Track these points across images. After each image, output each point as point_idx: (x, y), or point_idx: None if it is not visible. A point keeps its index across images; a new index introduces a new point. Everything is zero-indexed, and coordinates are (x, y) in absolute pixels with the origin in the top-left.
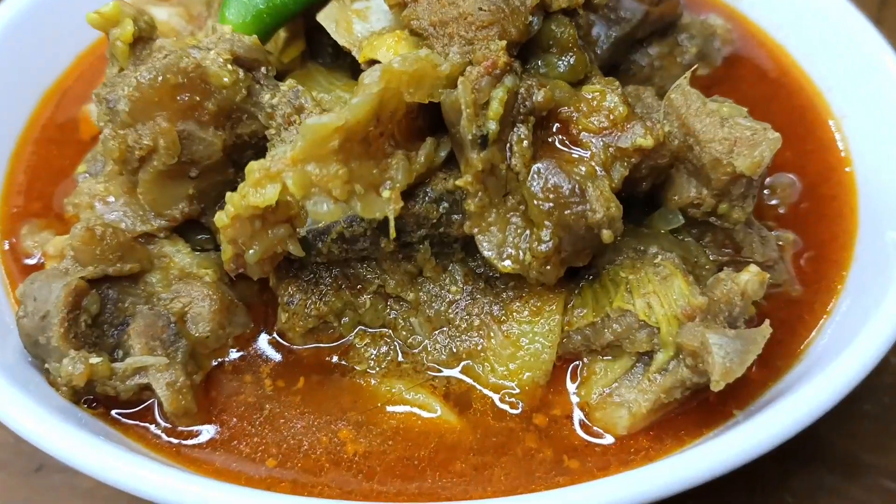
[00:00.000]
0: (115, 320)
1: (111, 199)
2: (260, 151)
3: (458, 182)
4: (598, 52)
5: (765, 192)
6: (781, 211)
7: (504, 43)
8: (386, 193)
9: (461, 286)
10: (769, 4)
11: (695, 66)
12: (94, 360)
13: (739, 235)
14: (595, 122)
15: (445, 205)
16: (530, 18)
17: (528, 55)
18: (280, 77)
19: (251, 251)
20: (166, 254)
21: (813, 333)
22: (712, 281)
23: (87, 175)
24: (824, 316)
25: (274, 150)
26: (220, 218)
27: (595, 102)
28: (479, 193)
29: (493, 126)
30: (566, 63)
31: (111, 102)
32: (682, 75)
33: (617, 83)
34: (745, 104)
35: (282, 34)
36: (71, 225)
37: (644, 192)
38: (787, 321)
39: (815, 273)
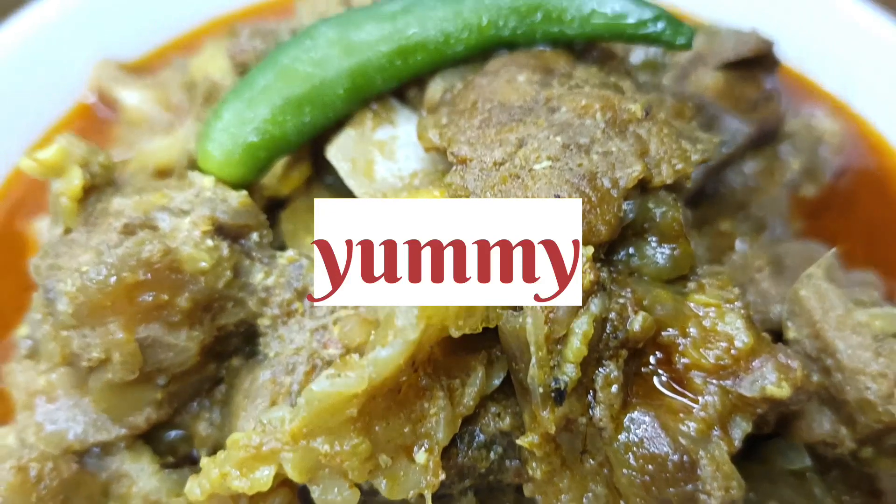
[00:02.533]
0: None
1: (59, 392)
2: (250, 338)
3: (521, 442)
4: (687, 184)
5: None
6: None
7: (591, 251)
8: (421, 457)
9: None
10: (891, 102)
11: (833, 250)
12: None
13: (882, 482)
14: (710, 357)
15: (499, 449)
16: (624, 207)
17: (614, 241)
18: (275, 210)
19: None
20: (126, 473)
21: None
22: None
23: (30, 342)
24: None
25: (268, 415)
26: (192, 490)
27: (709, 323)
28: (549, 458)
29: (571, 372)
30: (666, 255)
31: (49, 292)
32: (783, 197)
33: (736, 291)
34: (862, 234)
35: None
36: (9, 404)
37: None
38: None
39: None
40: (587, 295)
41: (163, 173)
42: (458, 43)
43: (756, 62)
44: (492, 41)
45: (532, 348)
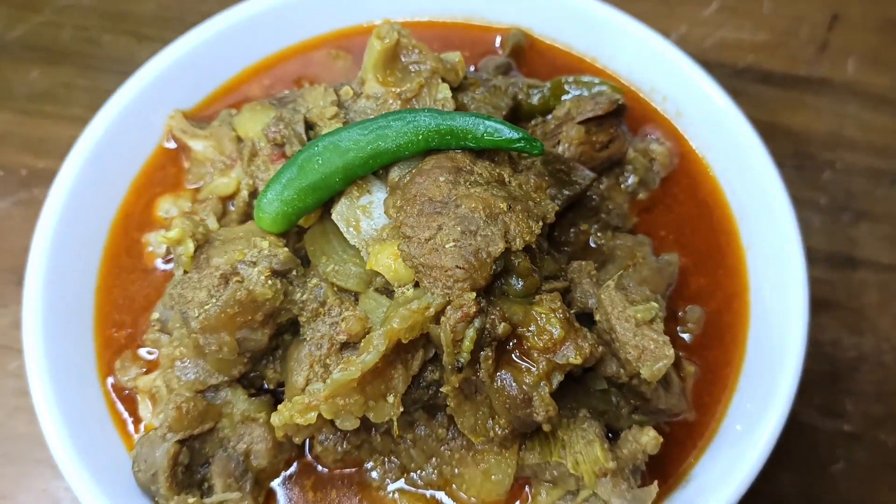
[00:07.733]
0: (200, 463)
1: (187, 360)
2: (294, 324)
3: (442, 389)
4: (558, 203)
5: (678, 327)
6: (688, 339)
7: (474, 295)
8: (391, 399)
9: (446, 429)
10: (702, 129)
11: (620, 272)
12: (191, 499)
13: (646, 393)
14: (540, 344)
15: (434, 388)
16: (494, 266)
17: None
18: (300, 237)
19: (296, 438)
20: (230, 400)
21: (704, 454)
22: (623, 437)
23: (160, 321)
24: (713, 438)
25: (311, 386)
26: (274, 420)
27: (543, 323)
28: (457, 396)
29: (465, 358)
30: (521, 284)
31: (184, 314)
32: (624, 202)
33: (559, 303)
34: (678, 224)
35: None
36: (153, 364)
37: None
38: (679, 441)
39: (710, 397)
40: (473, 318)
41: (224, 199)
42: (406, 150)
43: (608, 114)
44: (425, 149)
45: (444, 346)
